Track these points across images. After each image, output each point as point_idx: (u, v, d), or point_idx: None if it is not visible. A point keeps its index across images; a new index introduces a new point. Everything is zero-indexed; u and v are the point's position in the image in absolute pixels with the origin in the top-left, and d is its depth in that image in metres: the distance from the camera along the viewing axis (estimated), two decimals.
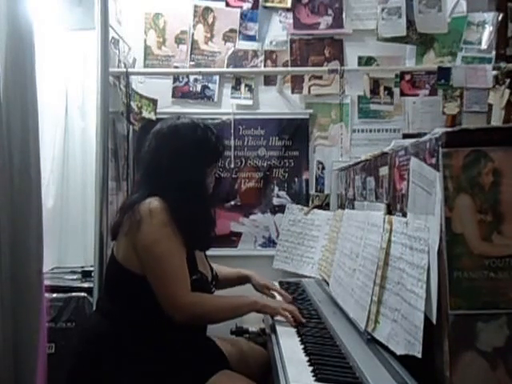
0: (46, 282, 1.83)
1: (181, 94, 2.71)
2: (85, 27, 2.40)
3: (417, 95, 2.54)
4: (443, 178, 0.97)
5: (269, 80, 2.70)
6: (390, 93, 2.62)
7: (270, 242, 2.65)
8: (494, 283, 0.95)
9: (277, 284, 2.14)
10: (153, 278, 1.46)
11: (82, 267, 2.45)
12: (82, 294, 2.18)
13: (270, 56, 2.70)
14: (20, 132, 1.55)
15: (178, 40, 2.69)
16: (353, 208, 1.89)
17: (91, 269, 2.15)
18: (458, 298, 0.95)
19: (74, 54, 2.59)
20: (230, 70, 2.68)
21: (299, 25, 2.68)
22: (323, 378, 1.12)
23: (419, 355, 1.02)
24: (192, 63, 2.68)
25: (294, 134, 2.67)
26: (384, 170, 1.43)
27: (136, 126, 2.55)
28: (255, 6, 2.67)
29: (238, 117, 2.67)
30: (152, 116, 2.55)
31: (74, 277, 2.37)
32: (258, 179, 2.67)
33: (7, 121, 1.52)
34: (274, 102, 2.70)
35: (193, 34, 2.69)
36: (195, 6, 2.68)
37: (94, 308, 1.92)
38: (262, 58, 2.69)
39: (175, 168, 1.52)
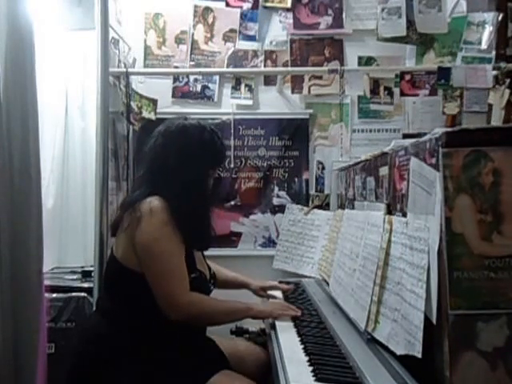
0: (46, 282, 1.83)
1: (181, 94, 2.71)
2: (85, 27, 2.40)
3: (417, 95, 2.54)
4: (443, 178, 0.97)
5: (269, 80, 2.70)
6: (390, 93, 2.62)
7: (269, 242, 2.65)
8: (494, 283, 0.95)
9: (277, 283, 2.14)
10: (151, 277, 1.46)
11: (82, 267, 2.45)
12: (82, 294, 2.18)
13: (270, 56, 2.70)
14: (20, 132, 1.55)
15: (178, 40, 2.69)
16: (353, 208, 1.89)
17: (91, 269, 2.15)
18: (458, 298, 0.95)
19: (74, 54, 2.59)
20: (230, 70, 2.68)
21: (299, 25, 2.68)
22: (323, 378, 1.12)
23: (419, 355, 1.02)
24: (192, 63, 2.68)
25: (294, 134, 2.67)
26: (384, 170, 1.43)
27: (136, 126, 2.55)
28: (255, 6, 2.67)
29: (238, 117, 2.67)
30: (152, 116, 2.55)
31: (74, 277, 2.37)
32: (258, 179, 2.67)
33: (7, 121, 1.51)
34: (274, 102, 2.70)
35: (193, 34, 2.69)
36: (195, 6, 2.68)
37: (94, 308, 1.93)
38: (261, 57, 2.69)
39: (180, 167, 1.53)
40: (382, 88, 2.63)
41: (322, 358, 1.23)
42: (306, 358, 1.24)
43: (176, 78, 2.69)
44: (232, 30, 2.68)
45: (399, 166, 1.29)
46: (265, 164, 2.67)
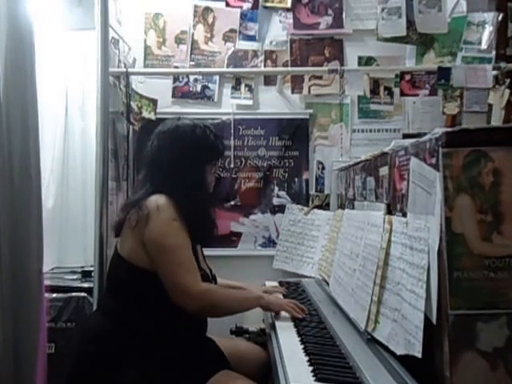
0: (46, 282, 1.83)
1: (181, 94, 2.70)
2: (85, 27, 2.40)
3: (417, 95, 2.53)
4: (443, 178, 0.97)
5: (269, 80, 2.70)
6: (390, 93, 2.62)
7: (270, 242, 2.65)
8: (494, 283, 0.95)
9: (276, 284, 2.14)
10: (163, 271, 1.48)
11: (82, 267, 2.45)
12: (82, 294, 2.18)
13: (270, 56, 2.70)
14: (20, 132, 1.55)
15: (178, 40, 2.69)
16: (353, 208, 1.89)
17: (91, 269, 2.15)
18: (458, 298, 0.95)
19: (74, 54, 2.59)
20: (230, 70, 2.68)
21: (299, 25, 2.68)
22: (323, 378, 1.12)
23: (419, 355, 1.02)
24: (192, 63, 2.68)
25: (294, 134, 2.67)
26: (384, 170, 1.43)
27: (136, 126, 2.55)
28: (255, 6, 2.67)
29: (238, 117, 2.67)
30: (152, 116, 2.55)
31: (74, 277, 2.37)
32: (257, 179, 2.67)
33: (7, 121, 1.51)
34: (274, 102, 2.70)
35: (193, 34, 2.69)
36: (195, 6, 2.68)
37: (95, 308, 1.93)
38: (262, 57, 2.69)
39: (176, 166, 1.56)
40: (382, 88, 2.63)
41: (322, 358, 1.23)
42: (306, 358, 1.24)
43: (176, 78, 2.69)
44: (232, 30, 2.68)
45: (399, 166, 1.29)
46: (265, 164, 2.67)
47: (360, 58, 2.66)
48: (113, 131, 2.39)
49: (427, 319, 1.03)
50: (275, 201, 2.67)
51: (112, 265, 1.63)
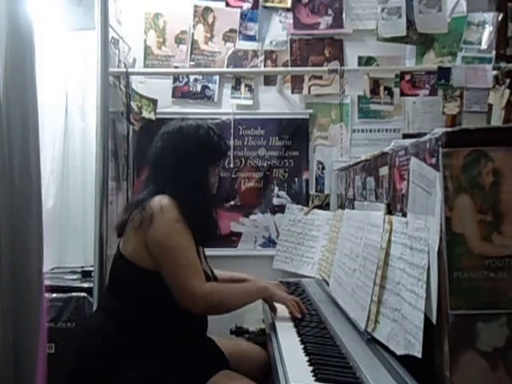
0: (46, 282, 1.83)
1: (181, 94, 2.71)
2: (85, 27, 2.40)
3: (417, 95, 2.54)
4: (443, 178, 0.97)
5: (269, 80, 2.70)
6: (390, 93, 2.62)
7: (270, 242, 2.65)
8: (494, 283, 0.95)
9: (277, 282, 2.14)
10: (168, 272, 1.48)
11: (82, 267, 2.45)
12: (82, 294, 2.18)
13: (270, 56, 2.70)
14: (20, 132, 1.55)
15: (178, 40, 2.69)
16: (353, 208, 1.89)
17: (91, 269, 2.15)
18: (458, 298, 0.95)
19: (74, 54, 2.59)
20: (230, 70, 2.68)
21: (299, 25, 2.68)
22: (323, 378, 1.12)
23: (419, 355, 1.02)
24: (192, 63, 2.68)
25: (294, 134, 2.67)
26: (384, 170, 1.43)
27: (136, 126, 2.55)
28: (255, 5, 2.67)
29: (238, 117, 2.67)
30: (152, 116, 2.55)
31: (74, 277, 2.37)
32: (257, 179, 2.67)
33: (7, 121, 1.51)
34: (274, 102, 2.70)
35: (193, 34, 2.69)
36: (195, 6, 2.68)
37: (96, 308, 1.93)
38: (261, 57, 2.69)
39: (179, 167, 1.56)
40: (382, 88, 2.63)
41: (322, 358, 1.23)
42: (306, 358, 1.24)
43: (176, 78, 2.69)
44: (232, 30, 2.68)
45: (399, 166, 1.29)
46: (265, 164, 2.67)
47: (360, 58, 2.66)
48: (113, 131, 2.39)
49: (427, 319, 1.03)
50: (275, 201, 2.67)
51: (114, 265, 1.63)
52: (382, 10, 2.49)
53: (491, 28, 2.44)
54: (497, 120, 2.38)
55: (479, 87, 2.35)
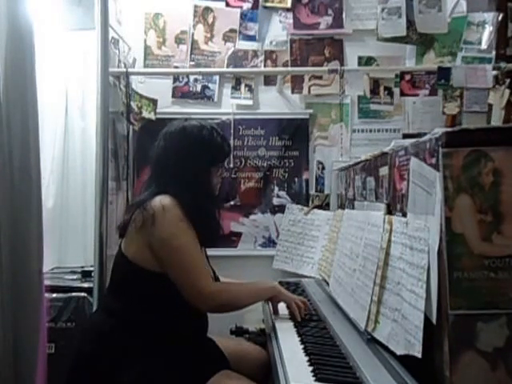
0: (46, 282, 1.83)
1: (181, 94, 2.71)
2: (85, 27, 2.40)
3: (417, 95, 2.53)
4: (443, 178, 0.97)
5: (269, 80, 2.70)
6: (390, 93, 2.62)
7: (269, 242, 2.65)
8: (494, 283, 0.95)
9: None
10: (175, 272, 1.48)
11: (82, 267, 2.45)
12: (82, 294, 2.18)
13: (270, 56, 2.70)
14: (20, 132, 1.55)
15: (178, 40, 2.69)
16: (353, 208, 1.89)
17: (91, 269, 2.15)
18: (458, 298, 0.95)
19: (74, 54, 2.59)
20: (230, 70, 2.68)
21: (299, 25, 2.68)
22: (323, 378, 1.12)
23: (419, 355, 1.01)
24: (192, 63, 2.68)
25: (294, 134, 2.67)
26: (384, 170, 1.43)
27: (136, 126, 2.55)
28: (255, 6, 2.67)
29: (238, 117, 2.67)
30: (152, 116, 2.55)
31: (74, 277, 2.37)
32: (258, 179, 2.67)
33: (7, 121, 1.51)
34: (274, 102, 2.70)
35: (193, 34, 2.69)
36: (195, 6, 2.68)
37: (96, 307, 1.93)
38: (261, 57, 2.69)
39: (181, 166, 1.56)
40: (382, 88, 2.63)
41: (322, 358, 1.23)
42: (306, 358, 1.24)
43: (176, 78, 2.69)
44: (232, 30, 2.68)
45: (399, 166, 1.29)
46: (265, 164, 2.67)
47: (360, 58, 2.66)
48: (113, 131, 2.39)
49: (427, 319, 1.03)
50: (275, 201, 2.67)
51: (115, 265, 1.63)
52: (382, 10, 2.49)
53: (491, 28, 2.44)
54: (497, 120, 2.38)
55: (479, 87, 2.35)
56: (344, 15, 2.66)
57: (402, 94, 2.54)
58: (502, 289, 0.95)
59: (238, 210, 2.66)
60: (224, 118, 2.66)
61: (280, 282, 2.12)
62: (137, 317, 1.49)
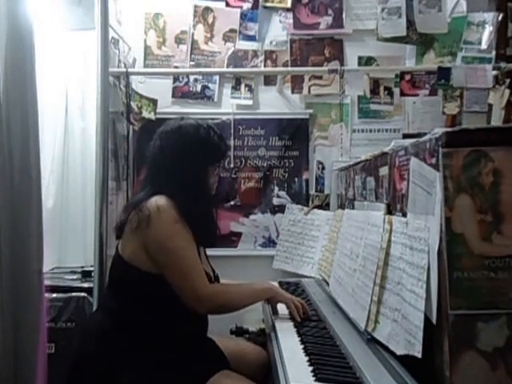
0: (46, 282, 1.83)
1: (181, 94, 2.71)
2: (85, 27, 2.40)
3: (417, 95, 2.54)
4: (443, 178, 0.97)
5: (269, 80, 2.70)
6: (390, 93, 2.62)
7: (269, 242, 2.65)
8: (494, 283, 0.95)
9: (276, 284, 2.14)
10: (171, 274, 1.47)
11: (82, 267, 2.45)
12: (82, 294, 2.18)
13: (270, 56, 2.70)
14: (20, 132, 1.55)
15: (178, 40, 2.69)
16: (353, 208, 1.89)
17: (91, 269, 2.15)
18: (458, 298, 0.95)
19: (74, 54, 2.59)
20: (230, 70, 2.68)
21: (299, 25, 2.68)
22: (323, 378, 1.12)
23: (419, 355, 1.01)
24: (192, 63, 2.68)
25: (294, 134, 2.67)
26: (384, 170, 1.43)
27: (136, 126, 2.55)
28: (255, 5, 2.67)
29: (238, 117, 2.67)
30: (152, 116, 2.55)
31: (74, 277, 2.37)
32: (258, 179, 2.67)
33: (7, 121, 1.51)
34: (274, 102, 2.70)
35: (193, 34, 2.69)
36: (195, 6, 2.68)
37: (96, 307, 1.93)
38: (261, 57, 2.69)
39: (177, 166, 1.55)
40: (382, 88, 2.63)
41: (322, 358, 1.23)
42: (306, 358, 1.24)
43: (176, 78, 2.69)
44: (232, 30, 2.68)
45: (399, 166, 1.29)
46: (265, 164, 2.67)
47: (360, 58, 2.66)
48: (113, 131, 2.39)
49: (427, 319, 1.03)
50: (275, 201, 2.67)
51: (113, 266, 1.62)
52: (382, 9, 2.49)
53: (491, 28, 2.44)
54: (497, 120, 2.38)
55: (479, 87, 2.35)
56: (344, 15, 2.66)
57: (402, 93, 2.54)
58: (502, 289, 0.95)
59: (237, 210, 2.66)
60: (224, 117, 2.66)
61: (280, 282, 2.13)
62: (134, 317, 1.48)
